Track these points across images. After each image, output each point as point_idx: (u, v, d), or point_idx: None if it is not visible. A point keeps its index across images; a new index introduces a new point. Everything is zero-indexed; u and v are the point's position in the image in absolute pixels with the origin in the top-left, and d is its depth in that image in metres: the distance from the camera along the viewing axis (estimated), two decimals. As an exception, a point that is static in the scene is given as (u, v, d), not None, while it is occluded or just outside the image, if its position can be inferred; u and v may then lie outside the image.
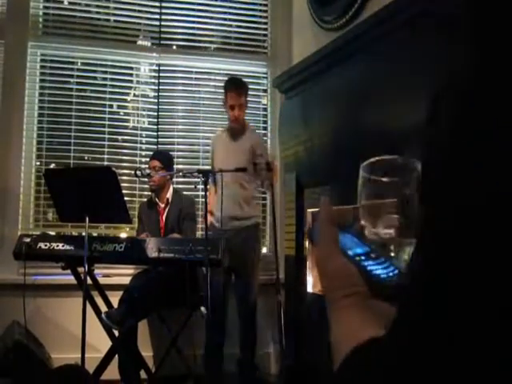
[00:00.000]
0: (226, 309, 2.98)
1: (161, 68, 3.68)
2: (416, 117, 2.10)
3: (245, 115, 3.12)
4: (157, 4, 3.69)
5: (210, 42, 3.84)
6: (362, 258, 0.46)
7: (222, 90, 3.13)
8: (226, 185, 2.92)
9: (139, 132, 3.65)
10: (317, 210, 0.49)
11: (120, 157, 3.57)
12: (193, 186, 3.24)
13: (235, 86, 3.03)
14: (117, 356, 2.76)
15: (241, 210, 3.02)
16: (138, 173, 3.17)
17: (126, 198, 2.72)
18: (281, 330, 2.55)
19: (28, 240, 2.69)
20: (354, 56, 2.55)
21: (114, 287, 2.99)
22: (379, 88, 2.34)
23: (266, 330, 3.37)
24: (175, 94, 3.70)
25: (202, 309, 2.50)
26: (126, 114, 3.68)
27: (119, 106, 3.66)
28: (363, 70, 2.48)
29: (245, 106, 3.07)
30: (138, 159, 3.58)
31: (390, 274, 0.44)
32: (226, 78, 3.70)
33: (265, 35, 3.85)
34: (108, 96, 3.58)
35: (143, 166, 3.46)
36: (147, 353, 3.15)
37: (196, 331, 2.57)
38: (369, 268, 0.45)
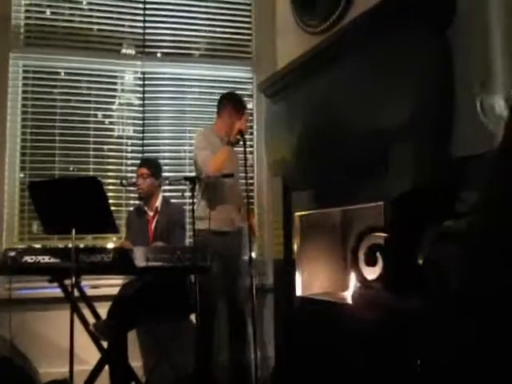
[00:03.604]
0: (216, 315, 2.95)
1: (145, 76, 3.66)
2: (399, 118, 2.11)
3: None
4: (140, 12, 3.67)
5: (195, 49, 3.83)
6: None
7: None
8: (228, 188, 3.01)
9: (125, 141, 3.62)
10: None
11: (106, 166, 3.54)
12: (180, 194, 3.22)
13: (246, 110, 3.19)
14: (107, 368, 2.72)
15: (238, 214, 3.09)
16: (124, 182, 3.16)
17: (112, 208, 2.69)
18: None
19: (13, 254, 2.64)
20: (338, 59, 2.56)
21: (103, 298, 2.96)
22: (364, 90, 2.34)
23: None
24: (160, 102, 3.68)
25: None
26: (110, 123, 3.65)
27: (104, 116, 3.63)
28: (348, 73, 2.48)
29: None
30: (123, 168, 3.55)
31: None
32: (211, 84, 3.73)
33: (249, 40, 3.85)
34: (92, 105, 3.55)
35: (129, 174, 3.44)
36: (136, 363, 3.11)
37: (186, 339, 2.54)
38: None
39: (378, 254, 1.83)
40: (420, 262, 1.53)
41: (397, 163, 2.12)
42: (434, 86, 2.05)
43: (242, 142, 2.87)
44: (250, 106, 3.78)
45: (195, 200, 2.95)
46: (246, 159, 2.77)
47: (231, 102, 3.12)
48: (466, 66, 2.00)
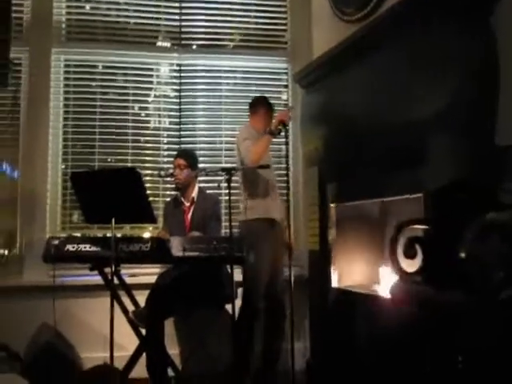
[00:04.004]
0: (258, 305, 2.96)
1: (181, 68, 3.70)
2: (438, 108, 2.05)
3: None
4: (176, 5, 3.70)
5: (230, 40, 3.84)
6: None
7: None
8: (270, 179, 3.07)
9: (161, 132, 3.68)
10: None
11: (143, 157, 3.60)
12: (216, 185, 3.24)
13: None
14: (145, 354, 2.79)
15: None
16: (162, 173, 3.20)
17: (150, 198, 2.73)
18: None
19: (56, 242, 2.72)
20: (374, 48, 2.50)
21: (141, 286, 3.02)
22: (402, 80, 2.29)
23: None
24: (196, 94, 3.71)
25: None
26: (147, 115, 3.71)
27: (141, 108, 3.69)
28: (384, 63, 2.43)
29: None
30: (160, 159, 3.61)
31: None
32: (246, 75, 3.74)
33: (284, 30, 3.82)
34: (130, 98, 3.61)
35: (166, 165, 3.49)
36: (174, 351, 3.17)
37: (222, 329, 2.57)
38: None
39: (417, 247, 1.80)
40: (462, 255, 1.49)
41: (436, 154, 2.07)
42: (475, 74, 1.98)
43: (283, 133, 2.86)
44: (284, 96, 3.78)
45: (240, 191, 3.00)
46: (287, 150, 2.81)
47: (264, 107, 3.14)
48: (510, 53, 1.93)
